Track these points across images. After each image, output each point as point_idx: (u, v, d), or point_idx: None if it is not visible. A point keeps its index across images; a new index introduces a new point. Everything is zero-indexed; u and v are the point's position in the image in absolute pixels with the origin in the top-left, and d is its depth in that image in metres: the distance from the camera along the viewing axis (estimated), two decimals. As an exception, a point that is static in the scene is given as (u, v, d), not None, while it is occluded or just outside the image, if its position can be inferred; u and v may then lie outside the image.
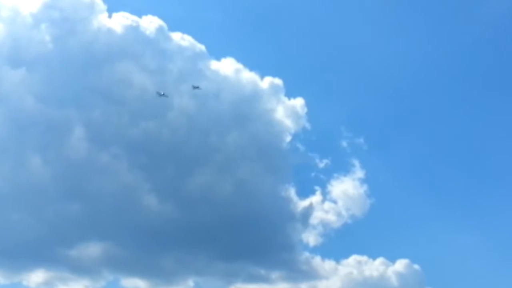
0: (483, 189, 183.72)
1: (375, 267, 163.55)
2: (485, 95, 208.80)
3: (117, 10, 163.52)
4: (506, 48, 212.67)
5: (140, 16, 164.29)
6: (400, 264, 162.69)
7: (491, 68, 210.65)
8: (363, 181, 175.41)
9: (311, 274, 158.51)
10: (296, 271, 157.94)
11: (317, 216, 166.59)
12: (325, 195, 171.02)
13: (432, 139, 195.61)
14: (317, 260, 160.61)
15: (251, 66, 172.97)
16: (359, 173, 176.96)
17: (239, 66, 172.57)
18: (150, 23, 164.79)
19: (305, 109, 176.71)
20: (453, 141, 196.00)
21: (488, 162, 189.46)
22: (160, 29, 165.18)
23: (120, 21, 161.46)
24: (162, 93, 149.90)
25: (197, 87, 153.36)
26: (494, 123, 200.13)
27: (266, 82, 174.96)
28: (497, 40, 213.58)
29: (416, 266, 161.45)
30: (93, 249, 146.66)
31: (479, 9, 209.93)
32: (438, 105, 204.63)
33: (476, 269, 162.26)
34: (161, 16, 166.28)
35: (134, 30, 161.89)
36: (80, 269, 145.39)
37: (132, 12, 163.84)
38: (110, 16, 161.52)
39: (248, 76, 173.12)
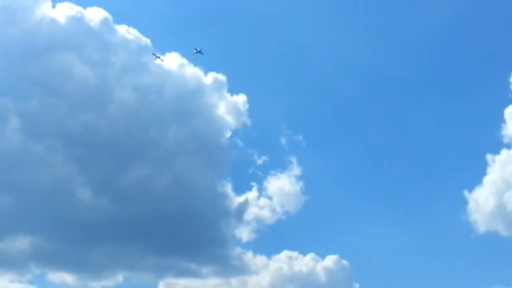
0: (413, 188, 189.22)
1: (305, 262, 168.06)
2: (421, 96, 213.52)
3: (61, 0, 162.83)
4: (445, 51, 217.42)
5: (85, 7, 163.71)
6: (330, 260, 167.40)
7: (429, 69, 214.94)
8: (299, 178, 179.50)
9: (242, 269, 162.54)
10: (227, 266, 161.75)
11: (252, 212, 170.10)
12: (261, 191, 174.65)
13: (367, 139, 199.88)
14: (249, 255, 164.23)
15: (195, 62, 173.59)
16: (296, 170, 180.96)
17: (184, 61, 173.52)
18: (95, 15, 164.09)
19: (247, 106, 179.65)
20: (387, 141, 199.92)
21: (419, 162, 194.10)
22: (105, 21, 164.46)
23: (64, 11, 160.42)
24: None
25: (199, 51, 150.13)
26: (428, 124, 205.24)
27: (210, 78, 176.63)
28: (435, 43, 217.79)
29: (344, 262, 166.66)
30: (21, 242, 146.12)
31: (422, 11, 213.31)
32: (375, 105, 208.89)
33: (402, 265, 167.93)
34: (106, 8, 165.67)
35: (78, 21, 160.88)
36: (6, 262, 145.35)
37: (77, 3, 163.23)
38: (54, 6, 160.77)
39: (192, 71, 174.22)
